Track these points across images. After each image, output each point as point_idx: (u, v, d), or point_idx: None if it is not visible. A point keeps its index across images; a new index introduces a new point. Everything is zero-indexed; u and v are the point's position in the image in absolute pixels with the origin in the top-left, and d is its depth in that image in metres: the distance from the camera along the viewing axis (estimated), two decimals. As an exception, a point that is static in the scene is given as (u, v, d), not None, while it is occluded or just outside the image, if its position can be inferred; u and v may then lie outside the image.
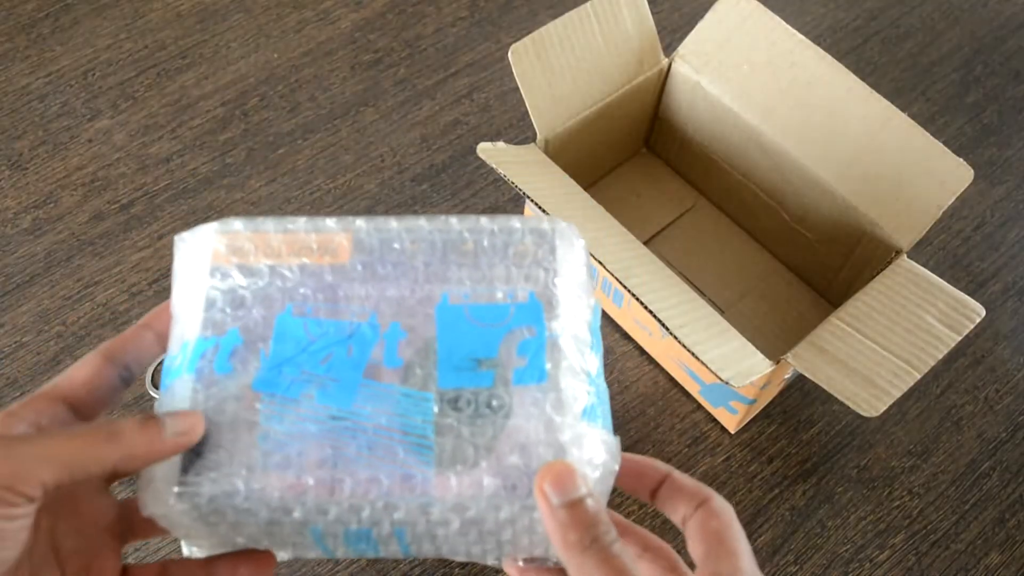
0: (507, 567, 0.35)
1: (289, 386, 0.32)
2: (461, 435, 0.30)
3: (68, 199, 0.77)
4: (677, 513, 0.33)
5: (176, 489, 0.30)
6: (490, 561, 0.34)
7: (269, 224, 0.35)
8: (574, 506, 0.29)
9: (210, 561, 0.35)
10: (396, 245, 0.34)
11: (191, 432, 0.31)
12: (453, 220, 0.34)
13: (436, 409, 0.31)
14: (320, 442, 0.30)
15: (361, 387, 0.31)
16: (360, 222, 0.35)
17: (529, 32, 0.65)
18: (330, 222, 0.35)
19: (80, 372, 0.33)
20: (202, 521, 0.31)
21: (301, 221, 0.35)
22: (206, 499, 0.30)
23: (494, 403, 0.31)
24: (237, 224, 0.35)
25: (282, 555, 0.35)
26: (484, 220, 0.35)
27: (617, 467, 0.31)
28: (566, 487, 0.29)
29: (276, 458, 0.30)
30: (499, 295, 0.33)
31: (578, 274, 0.35)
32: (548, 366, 0.32)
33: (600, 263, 0.58)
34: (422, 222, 0.34)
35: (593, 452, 0.30)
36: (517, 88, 0.66)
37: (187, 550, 0.34)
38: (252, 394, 0.32)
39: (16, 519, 0.28)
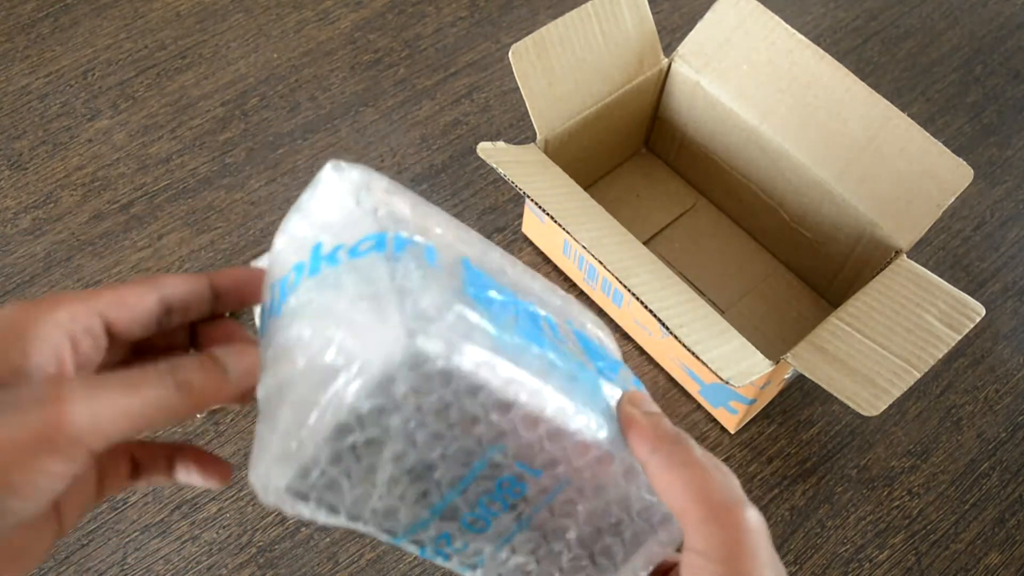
0: None
1: (492, 305, 0.29)
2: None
3: (68, 199, 0.77)
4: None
5: (411, 331, 0.24)
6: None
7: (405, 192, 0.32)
8: (655, 415, 0.31)
9: (176, 449, 0.33)
10: (508, 272, 0.33)
11: (253, 372, 0.28)
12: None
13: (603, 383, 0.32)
14: (528, 352, 0.28)
15: (546, 338, 0.30)
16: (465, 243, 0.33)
17: (529, 32, 0.65)
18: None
19: (130, 298, 0.29)
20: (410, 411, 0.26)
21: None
22: (441, 355, 0.25)
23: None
24: (381, 176, 0.31)
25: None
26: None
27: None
28: (645, 402, 0.31)
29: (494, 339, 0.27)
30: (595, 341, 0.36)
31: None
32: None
33: (600, 263, 0.58)
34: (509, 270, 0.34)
35: None
36: (517, 88, 0.66)
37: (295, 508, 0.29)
38: (463, 297, 0.28)
39: (67, 477, 0.25)
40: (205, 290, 0.31)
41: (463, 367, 0.26)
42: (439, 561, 0.31)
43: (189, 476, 0.33)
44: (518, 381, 0.27)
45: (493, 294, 0.30)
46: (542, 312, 0.32)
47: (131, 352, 0.32)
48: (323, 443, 0.26)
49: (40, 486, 0.25)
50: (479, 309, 0.28)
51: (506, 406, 0.27)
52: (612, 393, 0.32)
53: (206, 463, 0.33)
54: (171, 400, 0.27)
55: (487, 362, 0.27)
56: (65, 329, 0.27)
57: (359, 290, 0.27)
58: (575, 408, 0.29)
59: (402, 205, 0.31)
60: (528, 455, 0.29)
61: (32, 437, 0.24)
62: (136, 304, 0.29)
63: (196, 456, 0.33)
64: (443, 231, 0.31)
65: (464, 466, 0.29)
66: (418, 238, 0.29)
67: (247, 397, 0.29)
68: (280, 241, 0.31)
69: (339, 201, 0.30)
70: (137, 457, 0.32)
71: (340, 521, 0.29)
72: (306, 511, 0.28)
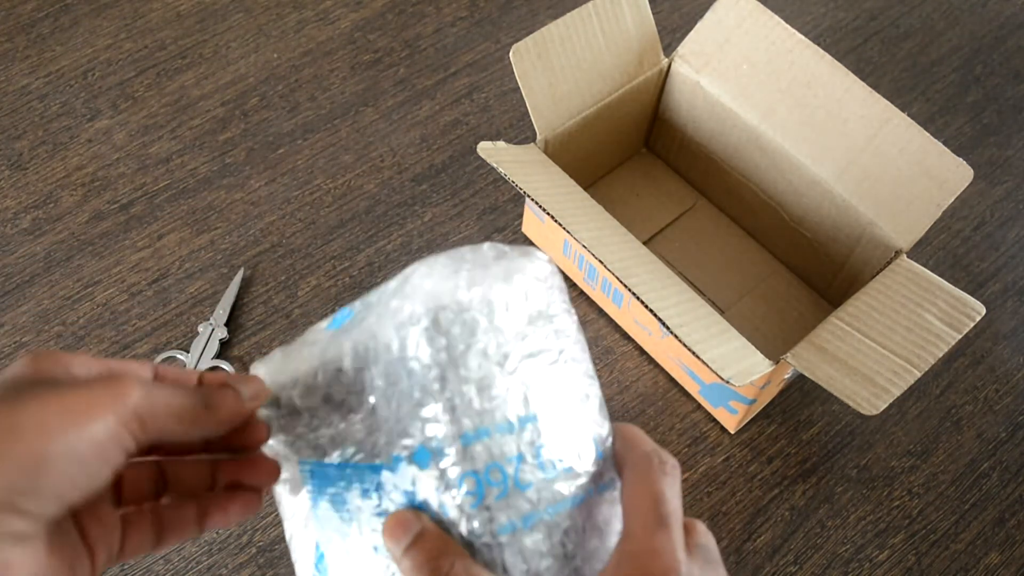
0: None
1: None
2: None
3: (68, 199, 0.77)
4: None
5: None
6: None
7: None
8: (413, 546, 0.30)
9: (201, 502, 0.35)
10: None
11: (261, 396, 0.34)
12: None
13: None
14: None
15: None
16: None
17: (529, 32, 0.65)
18: None
19: (131, 367, 0.33)
20: None
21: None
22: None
23: None
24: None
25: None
26: None
27: None
28: (396, 534, 0.31)
29: None
30: None
31: None
32: None
33: (600, 263, 0.58)
34: None
35: None
36: (517, 88, 0.66)
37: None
38: None
39: (121, 455, 0.28)
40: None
41: (575, 324, 0.34)
42: (472, 508, 0.31)
43: (227, 517, 0.35)
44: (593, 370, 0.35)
45: None
46: None
47: None
48: (481, 296, 0.32)
49: (103, 457, 0.28)
50: None
51: (593, 378, 0.34)
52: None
53: (237, 497, 0.36)
54: (199, 411, 0.31)
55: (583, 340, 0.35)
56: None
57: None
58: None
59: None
60: (595, 430, 0.34)
61: (101, 404, 0.28)
62: (136, 373, 0.33)
63: (227, 496, 0.35)
64: None
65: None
66: None
67: (258, 439, 0.35)
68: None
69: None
70: (163, 517, 0.34)
71: (449, 376, 0.31)
72: (433, 345, 0.31)
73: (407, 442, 0.31)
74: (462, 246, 0.34)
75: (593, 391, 0.34)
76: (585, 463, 0.32)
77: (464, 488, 0.30)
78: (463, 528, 0.30)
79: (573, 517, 0.32)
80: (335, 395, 0.34)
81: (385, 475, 0.32)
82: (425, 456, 0.31)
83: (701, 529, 0.33)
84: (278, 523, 0.63)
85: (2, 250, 0.74)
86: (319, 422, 0.35)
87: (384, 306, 0.32)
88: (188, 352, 0.69)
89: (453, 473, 0.30)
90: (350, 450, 0.34)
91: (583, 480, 0.32)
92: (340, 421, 0.34)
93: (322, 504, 0.35)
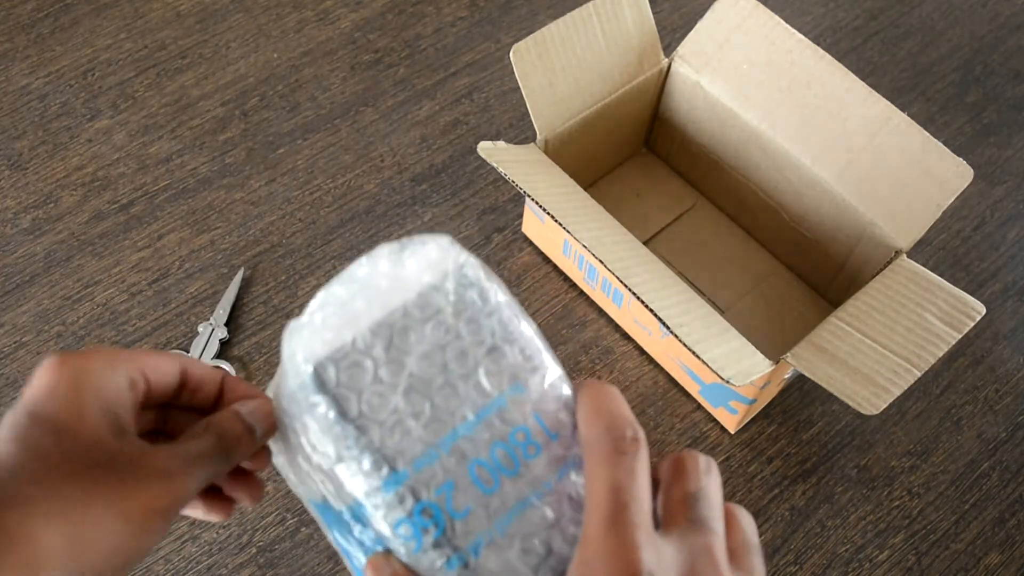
0: None
1: None
2: None
3: (68, 199, 0.77)
4: None
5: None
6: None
7: None
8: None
9: (202, 496, 0.36)
10: None
11: (272, 428, 0.34)
12: None
13: None
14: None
15: None
16: None
17: (529, 32, 0.65)
18: None
19: (163, 363, 0.34)
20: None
21: None
22: (483, 277, 0.32)
23: None
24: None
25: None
26: None
27: None
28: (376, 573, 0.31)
29: None
30: None
31: None
32: None
33: (600, 262, 0.58)
34: None
35: None
36: (517, 88, 0.66)
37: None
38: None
39: (168, 527, 0.31)
40: (216, 383, 0.36)
41: (499, 295, 0.31)
42: (416, 552, 0.29)
43: (233, 508, 0.37)
44: (536, 338, 0.32)
45: None
46: None
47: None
48: (368, 327, 0.30)
49: (161, 534, 0.31)
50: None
51: (535, 350, 0.31)
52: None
53: (243, 484, 0.36)
54: (220, 464, 0.32)
55: (514, 307, 0.32)
56: (126, 381, 0.32)
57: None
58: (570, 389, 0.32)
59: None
60: (544, 411, 0.31)
61: (162, 505, 0.30)
62: (167, 369, 0.34)
63: (231, 484, 0.36)
64: None
65: (484, 396, 0.30)
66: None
67: (265, 461, 0.35)
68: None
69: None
70: None
71: (347, 432, 0.30)
72: (320, 406, 0.30)
73: (345, 495, 0.31)
74: (361, 260, 0.32)
75: (535, 370, 0.31)
76: (530, 458, 0.30)
77: (401, 535, 0.29)
78: (418, 569, 0.29)
79: (537, 517, 0.30)
80: (291, 442, 0.33)
81: (350, 521, 0.32)
82: (361, 510, 0.30)
83: (699, 493, 0.29)
84: (278, 523, 0.63)
85: (2, 250, 0.74)
86: (292, 465, 0.34)
87: (283, 374, 0.32)
88: (188, 352, 0.69)
89: (388, 523, 0.29)
90: (322, 496, 0.33)
91: (536, 474, 0.30)
92: (306, 465, 0.33)
93: (336, 534, 0.35)
